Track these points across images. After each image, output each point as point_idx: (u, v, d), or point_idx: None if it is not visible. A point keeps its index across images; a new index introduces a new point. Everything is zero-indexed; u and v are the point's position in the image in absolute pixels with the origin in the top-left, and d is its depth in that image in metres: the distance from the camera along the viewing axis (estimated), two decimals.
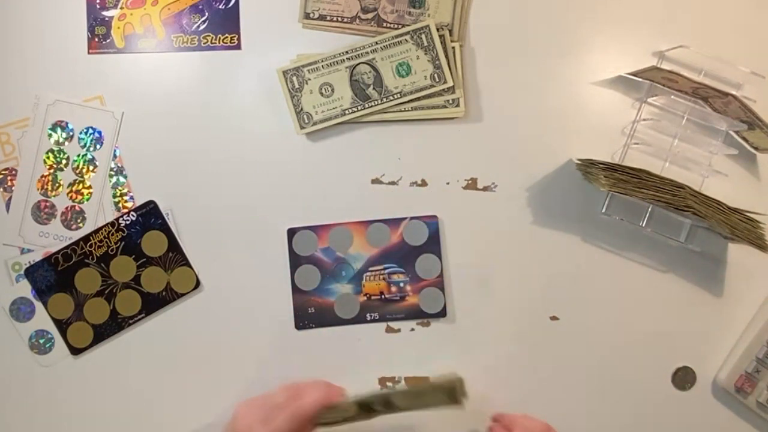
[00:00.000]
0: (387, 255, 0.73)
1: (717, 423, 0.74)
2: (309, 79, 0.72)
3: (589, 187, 0.73)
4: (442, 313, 0.73)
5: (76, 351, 0.73)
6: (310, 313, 0.73)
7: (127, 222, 0.73)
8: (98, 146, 0.74)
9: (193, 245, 0.74)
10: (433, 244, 0.73)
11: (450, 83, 0.71)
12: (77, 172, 0.74)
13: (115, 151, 0.74)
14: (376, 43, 0.71)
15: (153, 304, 0.74)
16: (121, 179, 0.74)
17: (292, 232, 0.73)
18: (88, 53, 0.74)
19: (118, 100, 0.74)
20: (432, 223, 0.73)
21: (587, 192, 0.74)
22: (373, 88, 0.72)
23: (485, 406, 0.75)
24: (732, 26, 0.73)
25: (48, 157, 0.74)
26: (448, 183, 0.74)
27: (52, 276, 0.73)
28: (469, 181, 0.74)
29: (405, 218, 0.73)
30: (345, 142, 0.74)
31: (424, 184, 0.74)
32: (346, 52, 0.72)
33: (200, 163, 0.74)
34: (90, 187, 0.74)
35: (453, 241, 0.74)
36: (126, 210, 0.73)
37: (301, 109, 0.72)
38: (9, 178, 0.74)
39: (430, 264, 0.73)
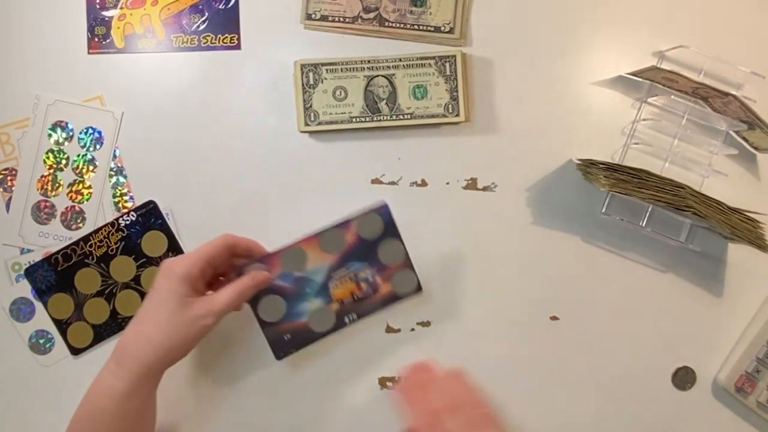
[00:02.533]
0: (347, 256, 0.70)
1: (717, 423, 0.74)
2: (325, 79, 0.72)
3: (589, 187, 0.73)
4: (418, 289, 0.71)
5: (76, 351, 0.73)
6: (287, 340, 0.70)
7: (127, 222, 0.73)
8: (98, 146, 0.74)
9: (193, 245, 0.74)
10: (391, 230, 0.70)
11: (462, 118, 0.71)
12: (77, 172, 0.74)
13: (115, 151, 0.74)
14: (400, 59, 0.71)
15: None
16: (121, 179, 0.74)
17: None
18: (88, 53, 0.74)
19: (118, 100, 0.74)
20: (384, 213, 0.69)
21: (587, 192, 0.74)
22: (386, 103, 0.71)
23: None
24: (732, 26, 0.73)
25: (48, 157, 0.74)
26: (448, 183, 0.74)
27: (52, 276, 0.73)
28: (469, 181, 0.74)
29: (354, 218, 0.69)
30: (345, 142, 0.74)
31: (424, 184, 0.74)
32: (368, 61, 0.71)
33: (200, 163, 0.74)
34: (90, 187, 0.74)
35: (453, 241, 0.74)
36: (126, 210, 0.73)
37: (311, 105, 0.72)
38: (9, 178, 0.74)
39: (393, 250, 0.70)
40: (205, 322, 0.61)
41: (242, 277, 0.65)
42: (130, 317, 0.72)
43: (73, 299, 0.73)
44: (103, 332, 0.74)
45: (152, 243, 0.74)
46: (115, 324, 0.73)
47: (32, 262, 0.73)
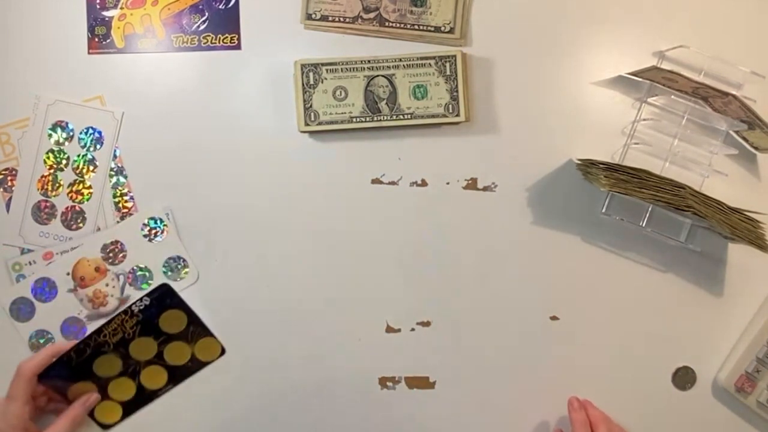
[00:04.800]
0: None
1: (717, 423, 0.74)
2: (325, 79, 0.72)
3: (589, 187, 0.73)
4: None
5: (105, 426, 0.72)
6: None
7: (141, 307, 0.69)
8: (98, 146, 0.74)
9: (194, 245, 0.74)
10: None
11: (462, 118, 0.71)
12: (77, 172, 0.74)
13: (115, 151, 0.74)
14: (400, 59, 0.71)
15: (179, 375, 0.72)
16: (121, 179, 0.74)
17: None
18: (88, 53, 0.74)
19: (118, 100, 0.74)
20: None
21: (587, 192, 0.74)
22: (386, 103, 0.71)
23: (486, 406, 0.75)
24: (732, 26, 0.73)
25: (48, 157, 0.74)
26: (448, 183, 0.74)
27: (66, 373, 0.69)
28: (469, 181, 0.74)
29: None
30: (345, 143, 0.74)
31: (424, 184, 0.74)
32: (368, 61, 0.71)
33: (200, 162, 0.74)
34: (90, 187, 0.74)
35: (453, 241, 0.74)
36: (137, 297, 0.70)
37: (311, 105, 0.72)
38: (9, 178, 0.74)
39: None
40: None
41: (73, 405, 0.69)
42: (159, 390, 0.72)
43: (95, 383, 0.70)
44: (131, 407, 0.72)
45: (171, 321, 0.70)
46: (144, 397, 0.72)
47: (46, 366, 0.68)
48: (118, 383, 0.71)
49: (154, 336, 0.70)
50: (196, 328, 0.72)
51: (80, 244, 0.74)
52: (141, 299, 0.69)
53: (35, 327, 0.74)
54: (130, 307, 0.69)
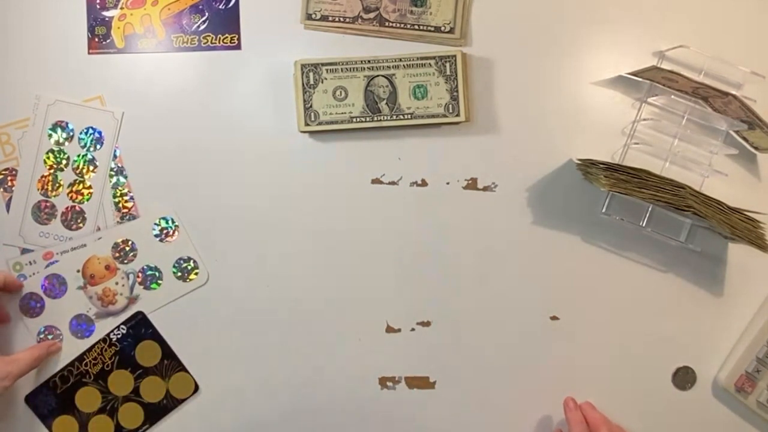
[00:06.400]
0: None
1: (717, 423, 0.74)
2: (325, 79, 0.72)
3: (589, 187, 0.73)
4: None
5: None
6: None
7: (119, 336, 0.74)
8: (98, 146, 0.74)
9: (193, 244, 0.74)
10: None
11: (462, 118, 0.71)
12: (77, 172, 0.74)
13: (115, 151, 0.74)
14: (400, 59, 0.71)
15: (155, 413, 0.74)
16: (121, 179, 0.74)
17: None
18: (88, 53, 0.74)
19: (118, 100, 0.74)
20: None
21: (587, 192, 0.74)
22: (386, 103, 0.71)
23: (486, 406, 0.75)
24: (732, 26, 0.73)
25: (48, 157, 0.74)
26: (448, 183, 0.74)
27: (52, 400, 0.73)
28: (469, 181, 0.74)
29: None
30: (345, 142, 0.74)
31: (424, 184, 0.74)
32: (368, 61, 0.71)
33: (200, 162, 0.74)
34: (90, 187, 0.74)
35: (453, 241, 0.74)
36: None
37: (311, 105, 0.72)
38: (9, 178, 0.74)
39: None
40: (4, 384, 0.66)
41: (38, 344, 0.72)
42: (135, 430, 0.73)
43: (76, 419, 0.74)
44: None
45: (146, 353, 0.74)
46: None
47: (32, 389, 0.73)
48: (98, 421, 0.73)
49: (131, 369, 0.73)
50: (170, 362, 0.74)
51: (82, 244, 0.74)
52: (118, 327, 0.73)
53: (44, 323, 0.74)
54: (108, 335, 0.73)
